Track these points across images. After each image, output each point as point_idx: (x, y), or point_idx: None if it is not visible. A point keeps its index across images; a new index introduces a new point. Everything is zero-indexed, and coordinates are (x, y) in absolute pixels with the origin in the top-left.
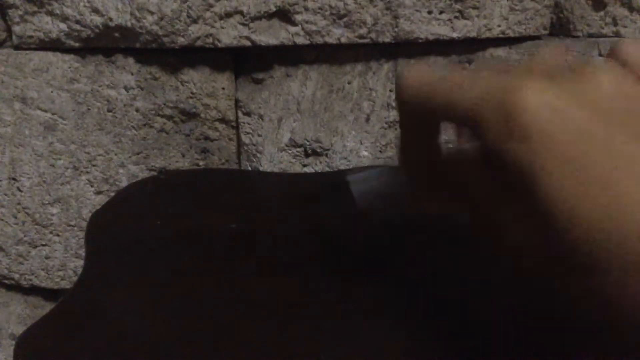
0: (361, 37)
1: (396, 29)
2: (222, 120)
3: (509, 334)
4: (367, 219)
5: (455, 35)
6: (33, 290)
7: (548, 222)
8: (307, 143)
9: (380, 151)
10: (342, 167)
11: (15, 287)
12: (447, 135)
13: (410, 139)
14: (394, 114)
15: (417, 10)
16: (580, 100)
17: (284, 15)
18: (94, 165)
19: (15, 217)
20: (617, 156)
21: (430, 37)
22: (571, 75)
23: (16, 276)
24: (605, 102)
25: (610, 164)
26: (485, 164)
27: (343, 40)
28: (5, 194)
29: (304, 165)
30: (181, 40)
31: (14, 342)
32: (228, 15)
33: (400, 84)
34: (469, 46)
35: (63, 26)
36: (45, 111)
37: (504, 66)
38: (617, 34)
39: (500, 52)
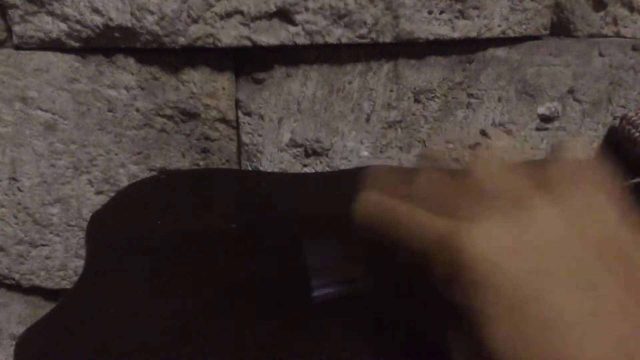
0: (361, 37)
1: (397, 29)
2: (223, 120)
3: None
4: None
5: (455, 35)
6: (33, 290)
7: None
8: (308, 143)
9: (381, 151)
10: (342, 167)
11: (16, 287)
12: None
13: (371, 254)
14: (394, 114)
15: (417, 10)
16: (518, 247)
17: (284, 15)
18: (94, 165)
19: (16, 217)
20: (551, 305)
21: (431, 37)
22: (511, 215)
23: (16, 276)
24: (540, 245)
25: (546, 312)
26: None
27: (343, 40)
28: (6, 194)
29: (304, 165)
30: (181, 40)
31: (14, 342)
32: (228, 15)
33: (357, 214)
34: (470, 46)
35: (63, 26)
36: (46, 111)
37: (452, 193)
38: (617, 34)
39: (501, 52)
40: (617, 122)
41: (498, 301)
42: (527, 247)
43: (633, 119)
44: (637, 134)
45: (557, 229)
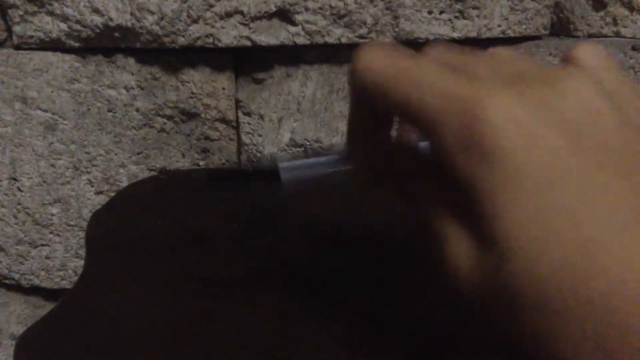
0: (361, 37)
1: (396, 29)
2: (223, 120)
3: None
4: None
5: (455, 35)
6: (33, 290)
7: (501, 254)
8: (308, 143)
9: None
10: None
11: (16, 287)
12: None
13: (359, 127)
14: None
15: (417, 10)
16: (549, 118)
17: (284, 15)
18: (94, 165)
19: (16, 217)
20: (587, 190)
21: (431, 37)
22: (539, 85)
23: (16, 276)
24: (574, 121)
25: (579, 200)
26: (435, 171)
27: (343, 40)
28: (6, 194)
29: None
30: (181, 40)
31: (14, 342)
32: (228, 15)
33: (355, 68)
34: (470, 46)
35: (63, 26)
36: (46, 111)
37: (470, 62)
38: (617, 34)
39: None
40: None
41: (517, 181)
42: (559, 122)
43: None
44: None
45: (596, 106)
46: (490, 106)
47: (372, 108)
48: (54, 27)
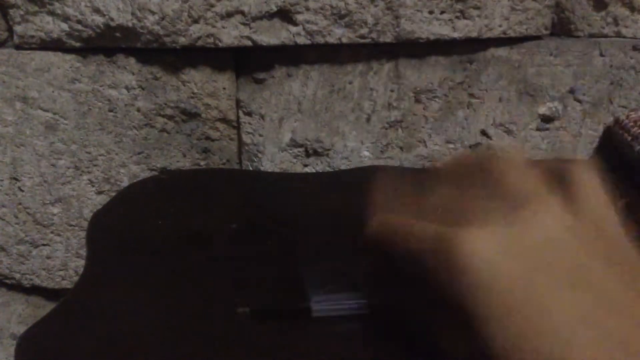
0: (362, 37)
1: (397, 29)
2: (223, 120)
3: None
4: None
5: (456, 35)
6: (34, 290)
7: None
8: (308, 143)
9: (381, 151)
10: (343, 167)
11: (17, 287)
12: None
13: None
14: (395, 114)
15: (418, 10)
16: (517, 248)
17: (285, 15)
18: (95, 165)
19: (17, 217)
20: (544, 305)
21: (432, 37)
22: (517, 213)
23: (17, 276)
24: (539, 247)
25: (539, 312)
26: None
27: (344, 40)
28: (7, 194)
29: (305, 165)
30: (182, 40)
31: (15, 342)
32: (229, 15)
33: (366, 234)
34: (470, 46)
35: (64, 26)
36: (47, 111)
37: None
38: (618, 34)
39: (502, 52)
40: (612, 122)
41: (495, 302)
42: (523, 248)
43: (624, 122)
44: (629, 138)
45: (556, 230)
46: (466, 245)
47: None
48: (55, 27)
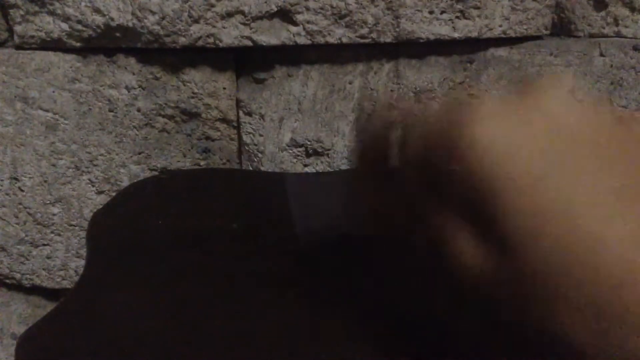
0: (362, 37)
1: (397, 29)
2: (224, 120)
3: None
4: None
5: (456, 35)
6: (34, 290)
7: (505, 248)
8: (308, 143)
9: None
10: (343, 167)
11: (17, 287)
12: None
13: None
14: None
15: (418, 10)
16: (534, 126)
17: (285, 15)
18: (95, 165)
19: (17, 217)
20: (569, 182)
21: (432, 37)
22: (520, 102)
23: (17, 276)
24: (556, 128)
25: (568, 194)
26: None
27: (344, 40)
28: (7, 194)
29: (305, 165)
30: (182, 40)
31: (15, 342)
32: (229, 15)
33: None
34: (470, 46)
35: (64, 26)
36: (47, 111)
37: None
38: (618, 34)
39: (502, 52)
40: None
41: (512, 179)
42: (540, 127)
43: None
44: None
45: (571, 113)
46: (477, 122)
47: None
48: (55, 27)
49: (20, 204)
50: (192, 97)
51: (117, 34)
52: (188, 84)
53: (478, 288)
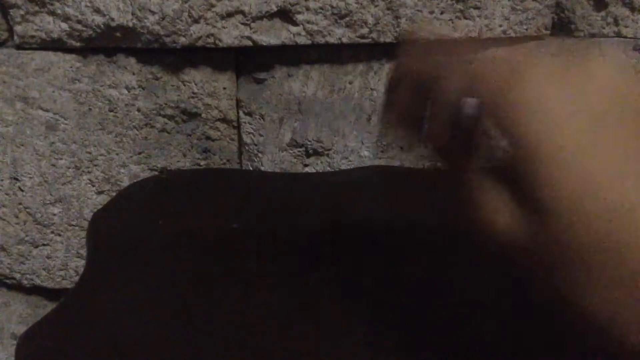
0: (362, 37)
1: (397, 29)
2: (224, 120)
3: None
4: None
5: (456, 35)
6: (34, 290)
7: (542, 214)
8: (309, 143)
9: (382, 151)
10: (343, 167)
11: (17, 287)
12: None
13: (399, 101)
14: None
15: (418, 10)
16: (583, 99)
17: (285, 15)
18: (95, 165)
19: (17, 217)
20: (622, 160)
21: (431, 38)
22: (574, 67)
23: (17, 276)
24: (607, 100)
25: (615, 168)
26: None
27: (344, 40)
28: (7, 194)
29: (305, 165)
30: (183, 40)
31: (15, 342)
32: (229, 15)
33: (407, 37)
34: (471, 46)
35: (65, 26)
36: (47, 111)
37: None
38: (618, 34)
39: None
40: None
41: (560, 147)
42: (592, 95)
43: None
44: None
45: (623, 81)
46: (533, 82)
47: (413, 82)
48: (55, 27)
49: (20, 204)
50: (192, 97)
51: (117, 34)
52: (188, 84)
53: (509, 254)
